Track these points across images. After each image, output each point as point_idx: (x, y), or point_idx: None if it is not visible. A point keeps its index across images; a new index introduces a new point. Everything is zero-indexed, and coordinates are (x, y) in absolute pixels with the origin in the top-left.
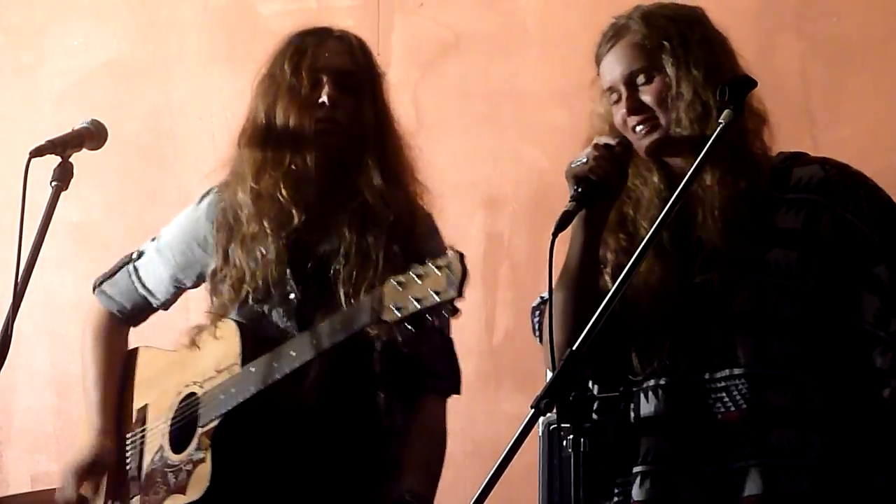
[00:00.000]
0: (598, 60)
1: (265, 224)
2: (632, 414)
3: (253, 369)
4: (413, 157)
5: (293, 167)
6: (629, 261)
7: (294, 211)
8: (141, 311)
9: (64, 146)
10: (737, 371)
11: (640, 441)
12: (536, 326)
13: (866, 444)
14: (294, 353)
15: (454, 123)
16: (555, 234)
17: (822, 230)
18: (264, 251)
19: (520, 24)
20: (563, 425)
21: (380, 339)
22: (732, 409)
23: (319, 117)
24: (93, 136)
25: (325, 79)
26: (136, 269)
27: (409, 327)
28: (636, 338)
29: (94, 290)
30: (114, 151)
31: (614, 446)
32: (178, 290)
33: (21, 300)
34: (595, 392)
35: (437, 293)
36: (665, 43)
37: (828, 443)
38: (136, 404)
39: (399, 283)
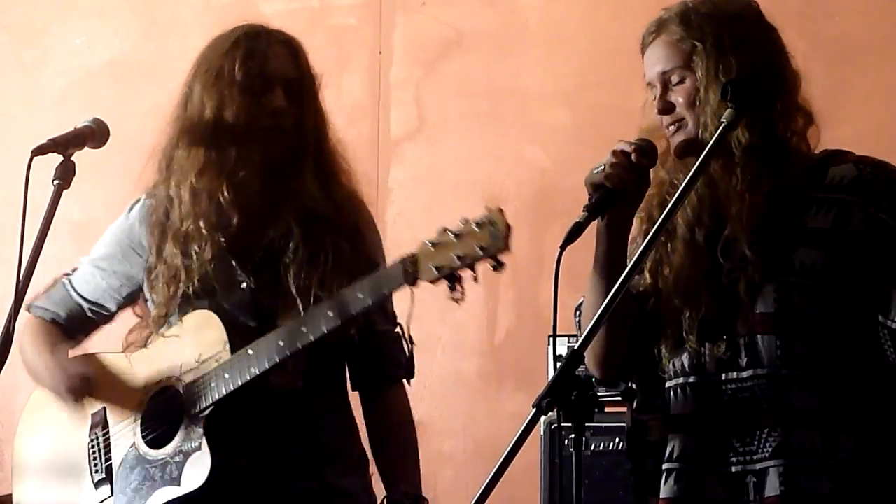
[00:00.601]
0: (642, 52)
1: (201, 224)
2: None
3: (250, 352)
4: (349, 162)
5: (237, 169)
6: (667, 256)
7: (233, 213)
8: (79, 321)
9: (66, 145)
10: (760, 371)
11: (667, 439)
12: (579, 326)
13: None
14: (305, 329)
15: (456, 122)
16: (563, 246)
17: (851, 229)
18: (198, 249)
19: (522, 23)
20: (564, 424)
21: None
22: (756, 409)
23: (268, 124)
24: (95, 134)
25: (276, 86)
26: (69, 282)
27: (448, 283)
28: (665, 334)
29: (27, 309)
30: (116, 150)
31: (659, 444)
32: (124, 301)
33: (23, 299)
34: (597, 391)
35: (483, 248)
36: (698, 45)
37: (860, 443)
38: (88, 411)
39: (434, 244)
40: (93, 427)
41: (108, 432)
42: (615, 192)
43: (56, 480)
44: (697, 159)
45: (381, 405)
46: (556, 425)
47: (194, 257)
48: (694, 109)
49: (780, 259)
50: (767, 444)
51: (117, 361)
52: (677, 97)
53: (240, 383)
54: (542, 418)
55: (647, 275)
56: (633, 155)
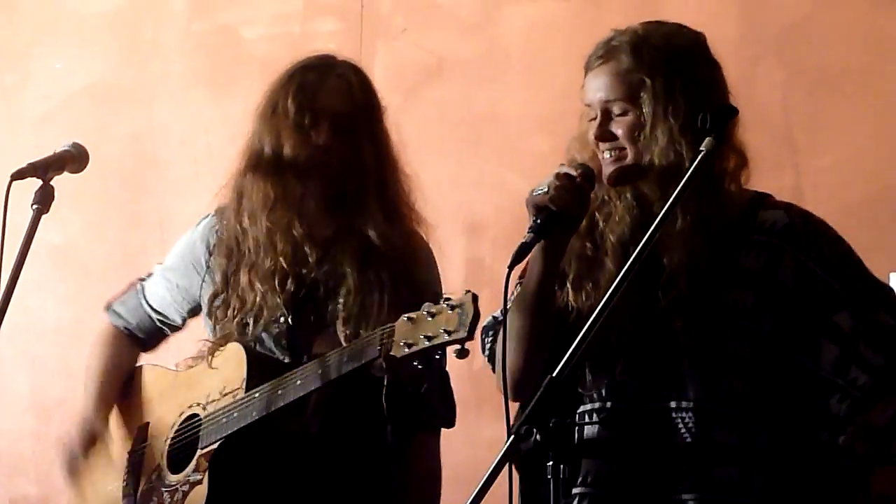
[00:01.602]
0: (585, 71)
1: (281, 260)
2: (576, 436)
3: (257, 395)
4: (412, 190)
5: (306, 203)
6: (590, 271)
7: (308, 248)
8: (148, 332)
9: (45, 169)
10: (685, 404)
11: (580, 463)
12: (487, 346)
13: (808, 489)
14: (300, 382)
15: (436, 149)
16: (511, 266)
17: (781, 275)
18: (278, 285)
19: (502, 50)
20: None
21: (387, 375)
22: (678, 440)
23: (316, 160)
24: (74, 159)
25: (323, 121)
26: (143, 289)
27: (417, 364)
28: (590, 353)
29: (106, 309)
30: (95, 175)
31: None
32: (188, 315)
33: (0, 323)
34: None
35: (448, 332)
36: (647, 81)
37: (769, 484)
38: (138, 422)
39: (410, 320)
40: (136, 440)
41: (144, 448)
42: (559, 214)
43: (99, 484)
44: (630, 186)
45: (409, 453)
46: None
47: (266, 291)
48: (636, 144)
49: (713, 295)
50: (685, 477)
51: (164, 378)
52: (618, 128)
53: (242, 425)
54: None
55: (569, 288)
56: (577, 178)
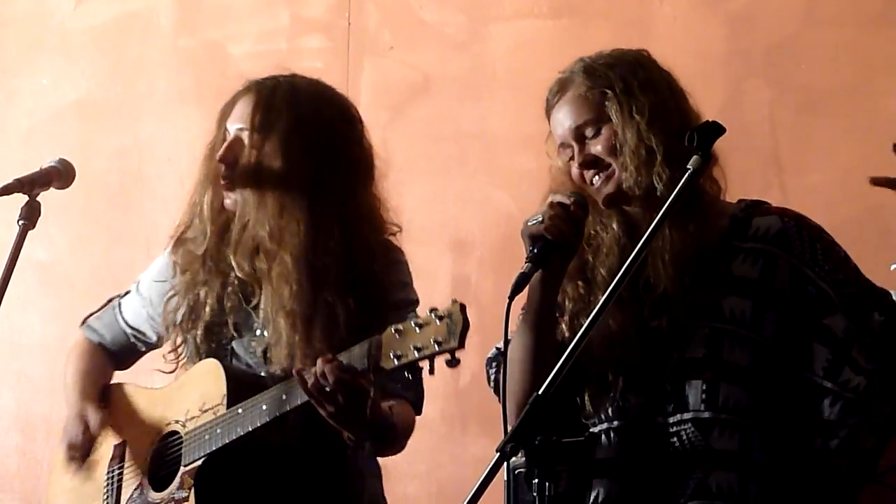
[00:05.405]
0: (548, 115)
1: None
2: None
3: (240, 411)
4: (380, 207)
5: None
6: (585, 308)
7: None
8: (122, 346)
9: (31, 185)
10: (686, 416)
11: (591, 484)
12: (492, 377)
13: (800, 499)
14: (285, 397)
15: (422, 166)
16: (511, 297)
17: (777, 282)
18: (243, 297)
19: (489, 67)
20: (528, 469)
21: (374, 388)
22: (680, 452)
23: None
24: (60, 175)
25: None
26: (119, 305)
27: (407, 374)
28: (589, 381)
29: (81, 324)
30: (81, 191)
31: (567, 495)
32: (158, 330)
33: None
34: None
35: (439, 343)
36: (608, 91)
37: (764, 492)
38: (113, 441)
39: (398, 332)
40: (112, 458)
41: (122, 467)
42: (556, 244)
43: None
44: (626, 207)
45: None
46: (520, 470)
47: (213, 301)
48: (618, 157)
49: (709, 305)
50: (689, 487)
51: (140, 396)
52: (596, 148)
53: (227, 441)
54: (506, 462)
55: (563, 326)
56: (570, 207)
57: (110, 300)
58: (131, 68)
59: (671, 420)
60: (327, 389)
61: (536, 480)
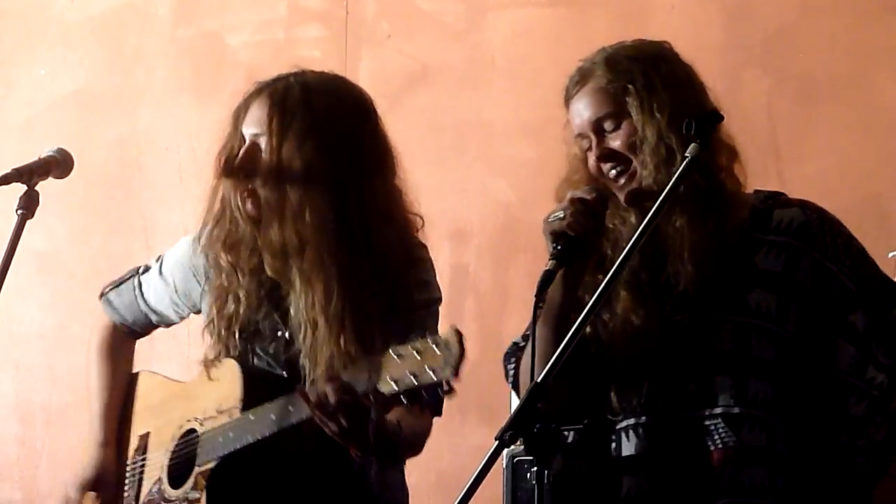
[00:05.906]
0: (566, 104)
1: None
2: (613, 453)
3: (252, 417)
4: (402, 203)
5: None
6: (606, 303)
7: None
8: (144, 327)
9: (30, 174)
10: (716, 410)
11: (621, 480)
12: (510, 373)
13: (822, 495)
14: (292, 409)
15: (421, 155)
16: (537, 295)
17: (800, 275)
18: (268, 298)
19: (487, 57)
20: (526, 457)
21: (374, 409)
22: (711, 448)
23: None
24: (59, 164)
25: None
26: (139, 284)
27: (403, 399)
28: (615, 378)
29: (100, 296)
30: (80, 180)
31: (587, 488)
32: (183, 314)
33: None
34: (559, 425)
35: (434, 371)
36: (629, 86)
37: (790, 488)
38: (138, 430)
39: (399, 356)
40: (137, 449)
41: (145, 459)
42: (578, 240)
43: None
44: (653, 203)
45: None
46: (518, 458)
47: (244, 300)
48: (637, 154)
49: (734, 299)
50: (719, 482)
51: (165, 389)
52: (615, 142)
53: (238, 447)
54: (505, 451)
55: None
56: (591, 201)
57: (130, 274)
58: (129, 58)
59: (698, 414)
60: (329, 410)
61: (535, 469)
